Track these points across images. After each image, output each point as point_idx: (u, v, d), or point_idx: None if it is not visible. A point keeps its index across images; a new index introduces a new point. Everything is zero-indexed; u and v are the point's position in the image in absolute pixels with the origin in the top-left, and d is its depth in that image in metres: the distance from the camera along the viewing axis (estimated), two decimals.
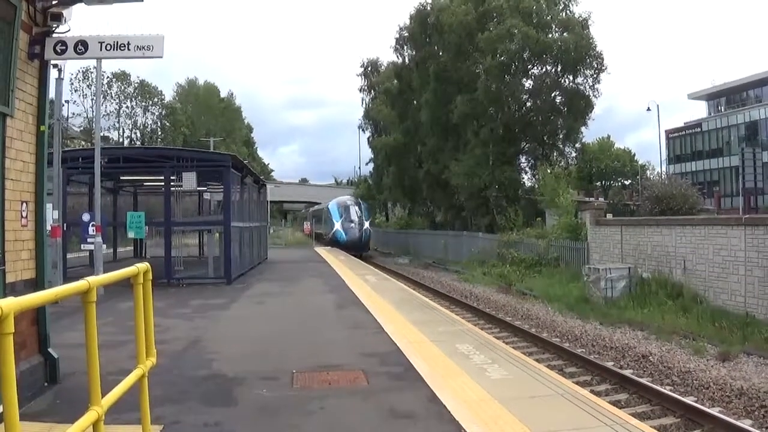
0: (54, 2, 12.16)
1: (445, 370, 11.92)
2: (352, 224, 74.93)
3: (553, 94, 67.72)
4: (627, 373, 18.14)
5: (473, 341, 14.70)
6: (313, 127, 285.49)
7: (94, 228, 25.10)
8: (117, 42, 15.96)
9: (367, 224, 76.23)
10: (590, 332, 24.24)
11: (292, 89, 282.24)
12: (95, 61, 23.47)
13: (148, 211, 35.55)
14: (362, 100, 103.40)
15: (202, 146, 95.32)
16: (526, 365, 12.51)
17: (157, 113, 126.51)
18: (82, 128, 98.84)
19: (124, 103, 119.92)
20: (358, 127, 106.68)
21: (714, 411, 14.19)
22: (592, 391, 13.53)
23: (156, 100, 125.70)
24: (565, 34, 66.49)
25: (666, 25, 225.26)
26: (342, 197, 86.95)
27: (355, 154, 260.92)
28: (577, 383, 13.20)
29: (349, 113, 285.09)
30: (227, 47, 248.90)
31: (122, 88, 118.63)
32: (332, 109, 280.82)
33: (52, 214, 23.06)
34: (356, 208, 78.64)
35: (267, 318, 19.80)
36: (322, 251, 60.24)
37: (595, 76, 66.08)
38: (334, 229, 75.70)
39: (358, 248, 70.53)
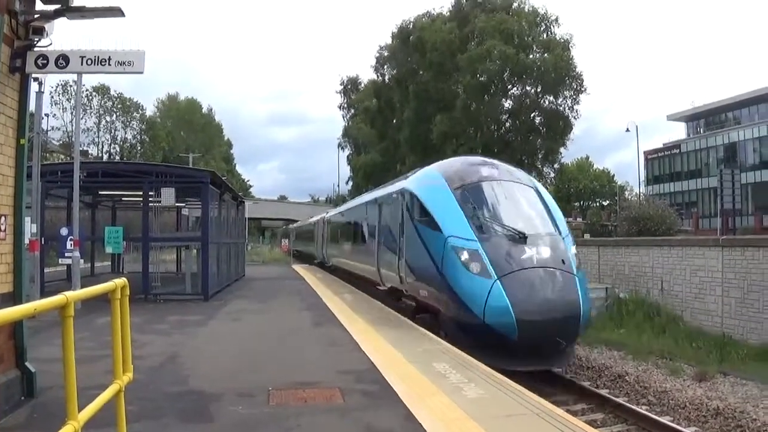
0: (36, 16, 12.18)
1: (422, 389, 11.94)
2: (531, 252, 19.76)
3: (532, 115, 68.57)
4: (603, 392, 18.24)
5: (450, 360, 14.71)
6: (293, 144, 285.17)
7: (72, 242, 25.03)
8: (98, 57, 15.99)
9: (573, 249, 21.12)
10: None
11: (273, 106, 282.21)
12: (76, 75, 23.46)
13: (127, 226, 35.56)
14: (342, 117, 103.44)
15: (181, 162, 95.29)
16: (502, 385, 12.52)
17: (137, 128, 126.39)
18: (61, 142, 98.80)
19: (104, 118, 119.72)
20: (338, 145, 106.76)
21: (690, 431, 14.28)
22: (568, 411, 13.59)
23: (136, 114, 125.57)
24: (545, 55, 67.04)
25: (646, 47, 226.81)
26: (458, 160, 26.79)
27: (335, 171, 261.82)
28: (553, 402, 13.24)
29: (331, 130, 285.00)
30: (209, 63, 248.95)
31: (102, 102, 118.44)
32: (313, 126, 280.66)
33: (30, 228, 22.96)
34: (526, 191, 23.18)
35: (244, 335, 19.74)
36: (300, 269, 59.92)
37: (574, 97, 66.96)
38: (461, 270, 19.48)
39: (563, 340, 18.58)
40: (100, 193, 38.28)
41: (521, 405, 10.96)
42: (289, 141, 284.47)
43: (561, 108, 67.31)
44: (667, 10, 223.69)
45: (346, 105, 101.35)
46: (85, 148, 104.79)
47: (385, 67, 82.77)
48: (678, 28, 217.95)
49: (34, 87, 18.22)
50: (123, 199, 42.21)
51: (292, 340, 18.43)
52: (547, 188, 28.62)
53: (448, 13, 74.28)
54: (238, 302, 29.33)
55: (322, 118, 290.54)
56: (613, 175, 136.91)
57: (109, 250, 31.27)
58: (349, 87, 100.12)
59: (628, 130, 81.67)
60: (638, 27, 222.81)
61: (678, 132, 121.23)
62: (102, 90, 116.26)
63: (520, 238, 19.69)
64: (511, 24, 67.90)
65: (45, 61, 13.40)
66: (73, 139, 34.79)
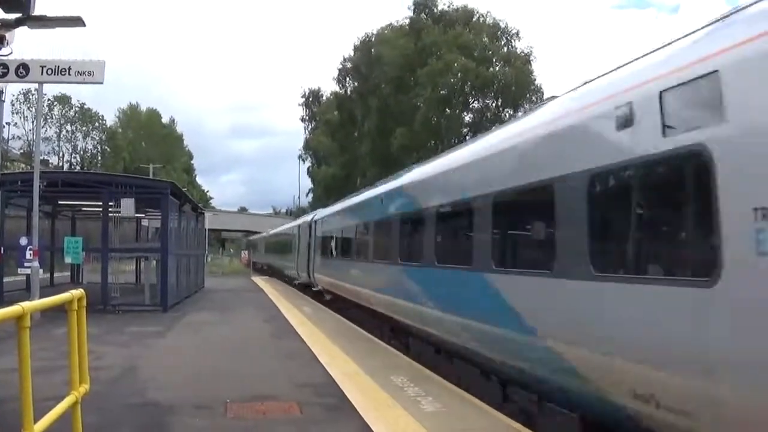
0: None
1: (379, 402, 12.00)
2: None
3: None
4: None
5: (408, 373, 14.77)
6: (255, 156, 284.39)
7: (32, 252, 24.89)
8: (58, 66, 16.00)
9: None
10: None
11: (235, 117, 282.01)
12: (36, 84, 23.38)
13: (86, 236, 35.34)
14: (303, 129, 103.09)
15: (142, 172, 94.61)
16: (460, 398, 12.58)
17: (97, 138, 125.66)
18: (22, 151, 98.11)
19: (65, 127, 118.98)
20: (299, 157, 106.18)
21: None
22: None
23: (97, 124, 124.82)
24: (507, 68, 67.48)
25: (609, 60, 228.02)
26: None
27: (296, 184, 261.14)
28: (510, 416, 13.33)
29: (293, 143, 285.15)
30: (171, 74, 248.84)
31: (63, 111, 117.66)
32: (275, 139, 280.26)
33: None
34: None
35: (202, 347, 19.69)
36: (260, 281, 59.69)
37: None
38: None
39: None
40: (59, 202, 38.08)
41: (479, 418, 11.03)
42: (251, 153, 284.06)
43: None
44: (627, 24, 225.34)
45: (308, 117, 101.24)
46: (45, 158, 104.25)
47: (348, 79, 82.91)
48: (640, 42, 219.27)
49: None
50: (83, 209, 42.01)
51: (251, 352, 18.42)
52: None
53: (407, 27, 74.63)
54: (197, 314, 29.23)
55: (285, 130, 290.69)
56: None
57: (68, 260, 31.13)
58: (311, 99, 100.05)
59: None
60: (600, 40, 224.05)
61: None
62: (63, 99, 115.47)
63: None
64: (467, 38, 68.35)
65: (5, 70, 13.41)
66: (34, 148, 34.60)
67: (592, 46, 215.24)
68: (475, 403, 12.17)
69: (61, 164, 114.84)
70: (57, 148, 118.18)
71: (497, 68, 70.14)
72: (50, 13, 14.80)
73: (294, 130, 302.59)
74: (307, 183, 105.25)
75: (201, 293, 42.88)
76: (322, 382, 13.92)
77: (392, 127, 68.49)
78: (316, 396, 12.66)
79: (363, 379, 14.16)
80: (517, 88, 67.69)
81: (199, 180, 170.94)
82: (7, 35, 12.60)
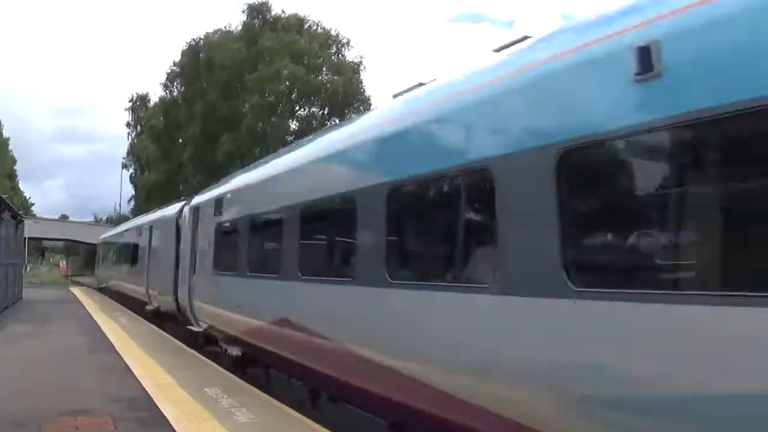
0: None
1: (193, 414, 12.14)
2: None
3: None
4: None
5: (222, 384, 14.99)
6: (79, 161, 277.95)
7: None
8: None
9: None
10: None
11: (61, 121, 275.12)
12: None
13: None
14: (128, 135, 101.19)
15: None
16: (274, 408, 12.86)
17: None
18: None
19: None
20: (122, 164, 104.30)
21: None
22: None
23: None
24: (336, 77, 68.11)
25: (435, 69, 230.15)
26: None
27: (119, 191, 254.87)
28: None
29: (119, 149, 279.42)
30: None
31: None
32: (102, 144, 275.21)
33: None
34: None
35: (18, 360, 19.33)
36: (78, 292, 58.62)
37: None
38: None
39: None
40: None
41: (292, 428, 11.33)
42: (76, 158, 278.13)
43: None
44: (461, 36, 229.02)
45: (133, 123, 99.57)
46: None
47: (176, 84, 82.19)
48: (468, 54, 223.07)
49: None
50: None
51: (67, 366, 18.24)
52: None
53: (239, 31, 74.38)
54: (13, 326, 28.65)
55: (113, 136, 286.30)
56: None
57: None
58: (138, 104, 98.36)
59: None
60: (429, 51, 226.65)
61: None
62: None
63: None
64: (301, 45, 68.68)
65: None
66: None
67: (422, 58, 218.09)
68: (289, 413, 12.46)
69: None
70: None
71: (326, 76, 70.73)
72: None
73: (121, 136, 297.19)
74: (130, 190, 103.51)
75: (19, 304, 41.94)
76: (137, 396, 13.98)
77: (218, 133, 68.15)
78: (130, 410, 12.72)
79: (177, 391, 14.30)
80: (344, 97, 68.28)
81: (21, 186, 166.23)
82: None
